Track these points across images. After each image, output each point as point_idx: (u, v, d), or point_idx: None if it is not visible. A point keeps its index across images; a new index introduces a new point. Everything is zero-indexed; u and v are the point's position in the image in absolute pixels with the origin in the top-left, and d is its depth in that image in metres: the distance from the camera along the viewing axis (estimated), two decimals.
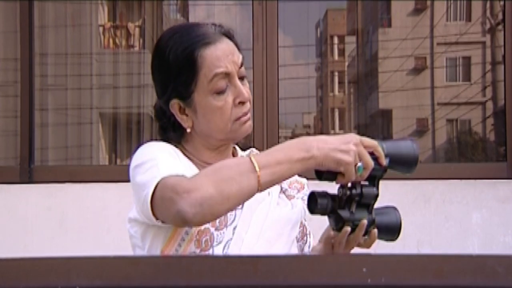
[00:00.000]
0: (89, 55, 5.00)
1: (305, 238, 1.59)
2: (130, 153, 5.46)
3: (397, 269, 0.81)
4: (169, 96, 1.45)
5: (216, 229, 1.39)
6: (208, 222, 1.31)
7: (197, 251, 1.37)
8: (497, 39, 5.58)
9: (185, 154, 1.48)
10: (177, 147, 1.49)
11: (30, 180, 3.41)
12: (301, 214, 1.53)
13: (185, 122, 1.45)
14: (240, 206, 1.40)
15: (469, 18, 6.43)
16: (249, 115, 1.45)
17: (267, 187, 1.28)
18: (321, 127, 6.93)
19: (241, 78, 1.45)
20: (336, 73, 8.53)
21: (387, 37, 6.50)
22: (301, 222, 1.56)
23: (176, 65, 1.42)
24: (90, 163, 4.99)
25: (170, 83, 1.44)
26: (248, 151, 1.56)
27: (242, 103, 1.43)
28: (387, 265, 0.81)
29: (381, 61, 6.08)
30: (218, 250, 1.38)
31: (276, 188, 1.50)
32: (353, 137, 1.29)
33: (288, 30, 5.27)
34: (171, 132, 1.49)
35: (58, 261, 0.84)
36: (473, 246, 3.17)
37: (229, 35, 1.47)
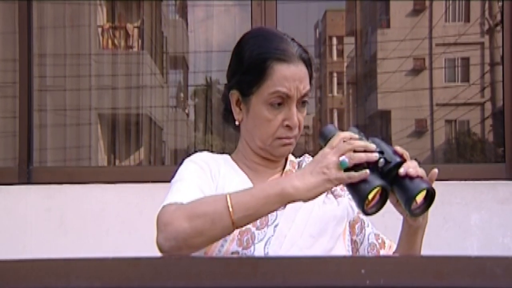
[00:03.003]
0: (87, 56, 5.00)
1: (363, 231, 1.61)
2: (129, 154, 5.46)
3: (395, 271, 0.81)
4: (232, 85, 1.53)
5: (257, 229, 1.44)
6: (189, 253, 1.33)
7: (239, 249, 1.42)
8: (495, 40, 5.59)
9: (234, 159, 1.57)
10: (230, 154, 1.58)
11: (29, 181, 3.40)
12: (347, 211, 1.56)
13: (237, 114, 1.55)
14: (283, 206, 1.42)
15: (467, 19, 6.44)
16: (292, 140, 1.51)
17: (243, 224, 1.31)
18: (320, 128, 6.92)
19: (302, 103, 1.50)
20: (335, 74, 8.54)
21: (386, 37, 6.50)
22: (356, 218, 1.59)
23: (248, 64, 1.50)
24: (89, 164, 4.98)
25: (237, 75, 1.52)
26: (301, 158, 1.63)
27: (289, 127, 1.49)
28: (385, 266, 0.82)
29: (380, 62, 6.08)
30: (259, 247, 1.42)
31: None
32: (324, 153, 1.28)
33: (287, 31, 5.24)
34: (232, 123, 1.58)
35: (58, 263, 0.84)
36: (472, 247, 3.17)
37: (307, 63, 1.51)
